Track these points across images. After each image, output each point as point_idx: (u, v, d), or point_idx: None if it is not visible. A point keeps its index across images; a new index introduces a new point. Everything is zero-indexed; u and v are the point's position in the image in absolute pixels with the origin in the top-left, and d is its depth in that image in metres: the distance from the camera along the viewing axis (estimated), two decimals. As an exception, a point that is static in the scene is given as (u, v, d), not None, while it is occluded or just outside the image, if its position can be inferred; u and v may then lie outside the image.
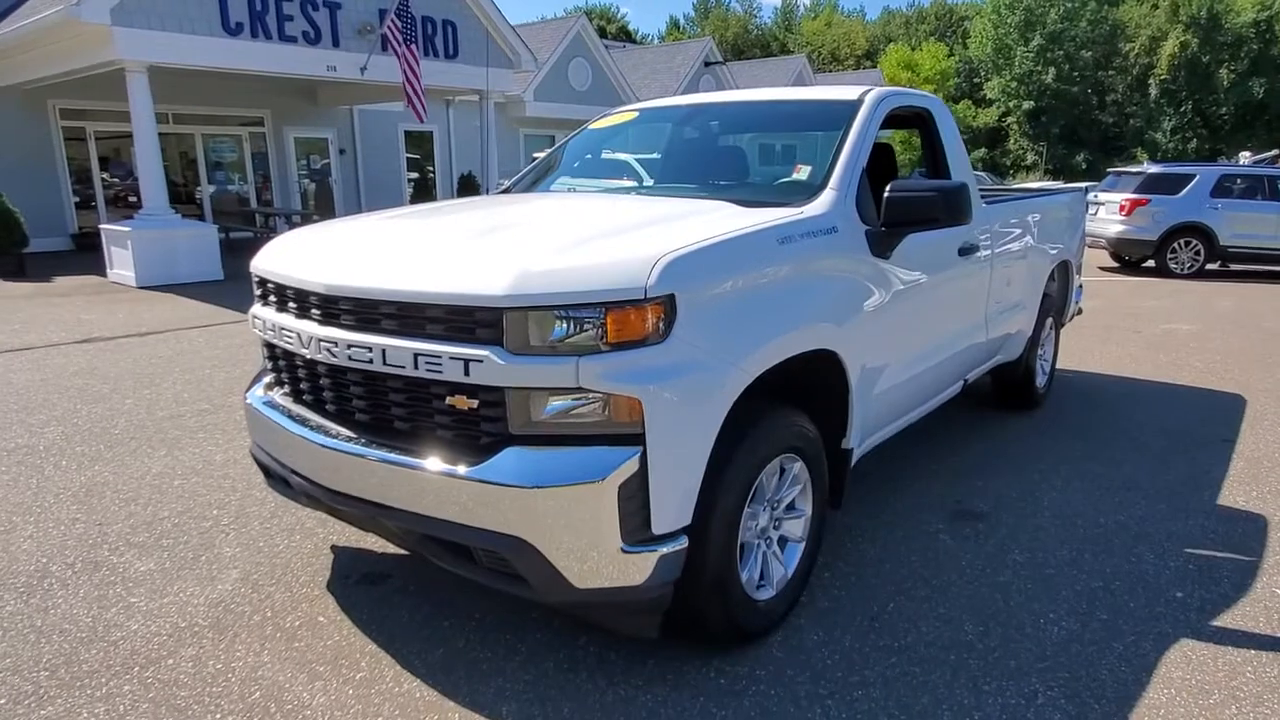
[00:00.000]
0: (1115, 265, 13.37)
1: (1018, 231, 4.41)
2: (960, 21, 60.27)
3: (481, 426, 2.14)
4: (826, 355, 2.67)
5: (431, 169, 21.18)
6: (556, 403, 2.06)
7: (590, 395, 2.04)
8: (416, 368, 2.15)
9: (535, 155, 4.32)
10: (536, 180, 3.82)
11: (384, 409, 2.32)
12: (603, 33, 64.04)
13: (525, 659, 2.48)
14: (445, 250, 2.36)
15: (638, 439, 2.05)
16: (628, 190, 3.45)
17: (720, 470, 2.27)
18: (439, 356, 2.11)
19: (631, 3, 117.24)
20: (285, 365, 2.64)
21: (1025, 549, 3.26)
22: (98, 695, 2.31)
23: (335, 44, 12.41)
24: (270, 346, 2.73)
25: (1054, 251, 4.90)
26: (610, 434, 2.06)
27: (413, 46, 11.94)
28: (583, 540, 2.07)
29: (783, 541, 2.69)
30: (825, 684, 2.37)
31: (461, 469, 2.11)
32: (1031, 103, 48.00)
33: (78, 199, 15.66)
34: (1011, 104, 49.08)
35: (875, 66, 48.64)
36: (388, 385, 2.27)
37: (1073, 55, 46.62)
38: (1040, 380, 5.20)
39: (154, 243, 10.82)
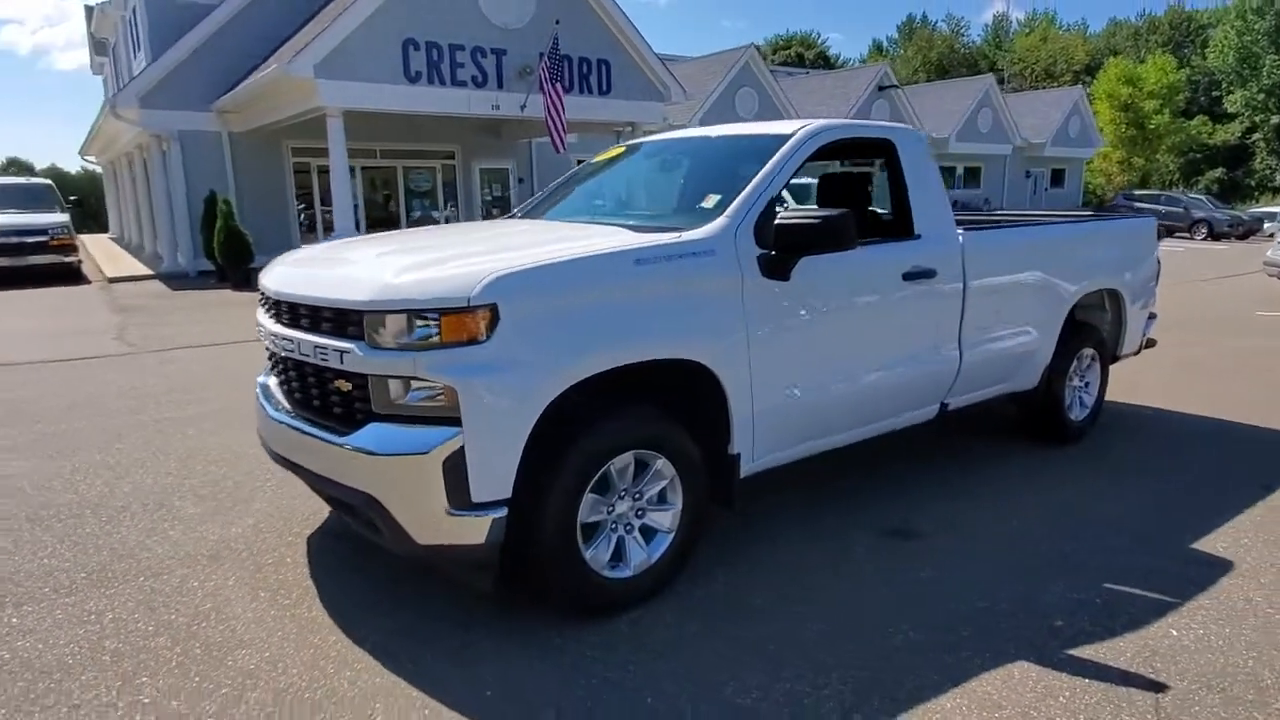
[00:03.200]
0: (1319, 301, 11.71)
1: (1018, 259, 4.35)
2: (1200, 30, 54.10)
3: (356, 406, 2.70)
4: (696, 366, 2.98)
5: (601, 196, 22.52)
6: (405, 388, 2.58)
7: (426, 383, 2.54)
8: (316, 356, 2.76)
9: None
10: (533, 207, 4.36)
11: (305, 389, 2.95)
12: (800, 59, 64.40)
13: (408, 609, 2.99)
14: (353, 266, 2.96)
15: (459, 421, 2.51)
16: (570, 218, 3.85)
17: (553, 455, 2.67)
18: (326, 348, 2.70)
19: (841, 27, 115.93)
20: (268, 355, 3.37)
21: (938, 568, 3.31)
22: (107, 593, 3.11)
23: (499, 86, 13.81)
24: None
25: (1084, 282, 4.71)
26: (442, 416, 2.54)
27: (558, 85, 13.02)
28: (417, 501, 2.56)
29: (648, 530, 3.02)
30: (643, 654, 2.68)
31: (339, 438, 2.69)
32: (1281, 117, 42.16)
33: (302, 222, 18.39)
34: (1258, 118, 43.33)
35: (1088, 82, 44.86)
36: (305, 370, 2.90)
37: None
38: (1078, 414, 4.98)
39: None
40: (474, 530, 2.58)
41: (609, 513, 2.90)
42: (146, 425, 5.44)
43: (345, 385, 2.72)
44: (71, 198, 19.47)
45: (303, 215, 18.43)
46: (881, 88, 25.24)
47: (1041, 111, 31.32)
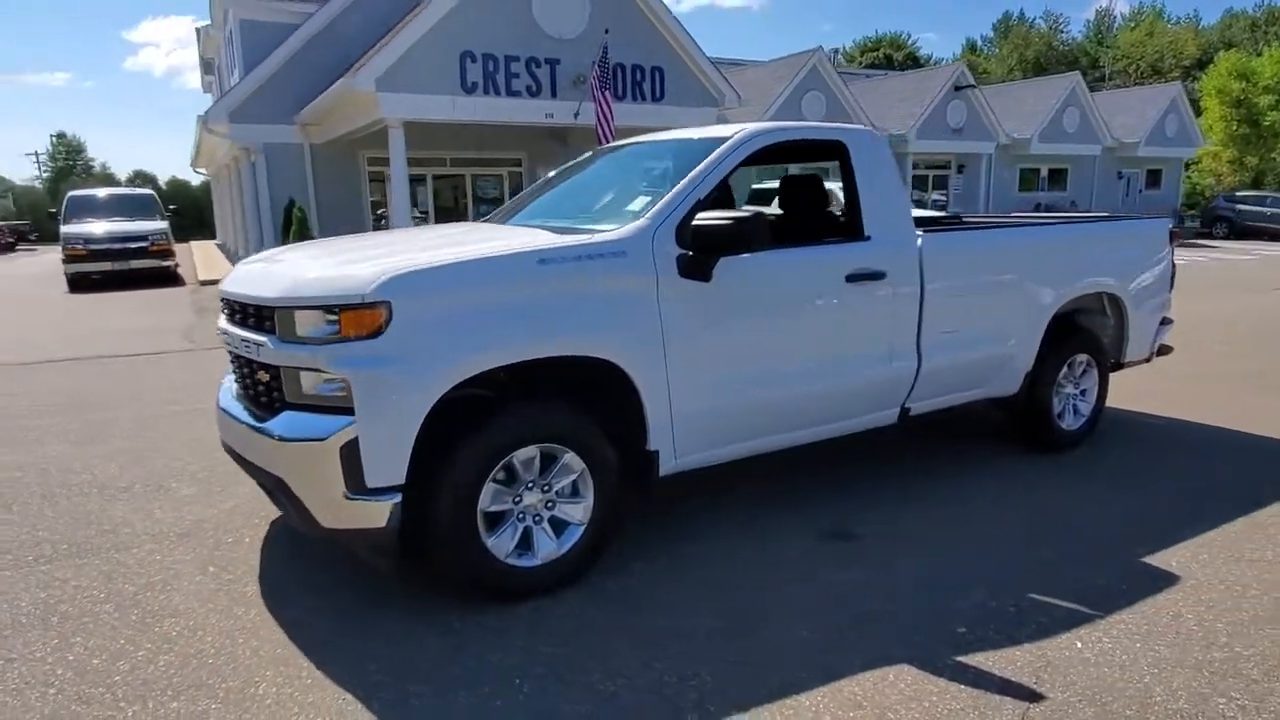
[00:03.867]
0: None
1: (988, 263, 4.25)
2: (1329, 17, 50.12)
3: (274, 395, 2.91)
4: (607, 364, 3.07)
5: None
6: (311, 378, 2.77)
7: (328, 375, 2.72)
8: (243, 349, 2.99)
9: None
10: (504, 213, 4.51)
11: (243, 381, 3.18)
12: (889, 61, 62.96)
13: (344, 589, 3.18)
14: (281, 266, 3.17)
15: (353, 410, 2.68)
16: (524, 221, 3.97)
17: (453, 445, 2.81)
18: (250, 342, 2.93)
19: (938, 26, 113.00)
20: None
21: (864, 571, 3.28)
22: (78, 563, 3.42)
23: (553, 95, 14.13)
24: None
25: (1071, 285, 4.54)
26: (343, 406, 2.71)
27: (606, 93, 13.22)
28: (318, 485, 2.74)
29: (559, 522, 3.12)
30: (534, 640, 2.77)
31: (258, 424, 2.90)
32: None
33: (380, 228, 19.25)
34: (1397, 113, 39.69)
35: (1198, 77, 42.15)
36: (241, 362, 3.13)
37: None
38: (1072, 421, 4.80)
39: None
40: (372, 515, 2.74)
41: (515, 503, 3.02)
42: (177, 416, 5.88)
43: (265, 376, 2.93)
44: (171, 207, 20.86)
45: (383, 221, 19.28)
46: (958, 88, 24.46)
47: (1135, 110, 29.65)
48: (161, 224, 18.35)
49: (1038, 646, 2.72)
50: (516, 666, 2.62)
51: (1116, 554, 3.41)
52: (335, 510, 2.75)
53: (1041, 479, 4.32)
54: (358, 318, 2.68)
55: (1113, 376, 5.08)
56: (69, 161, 73.48)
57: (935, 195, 27.14)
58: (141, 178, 73.52)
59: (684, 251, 3.21)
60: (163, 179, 66.39)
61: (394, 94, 12.91)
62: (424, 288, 2.75)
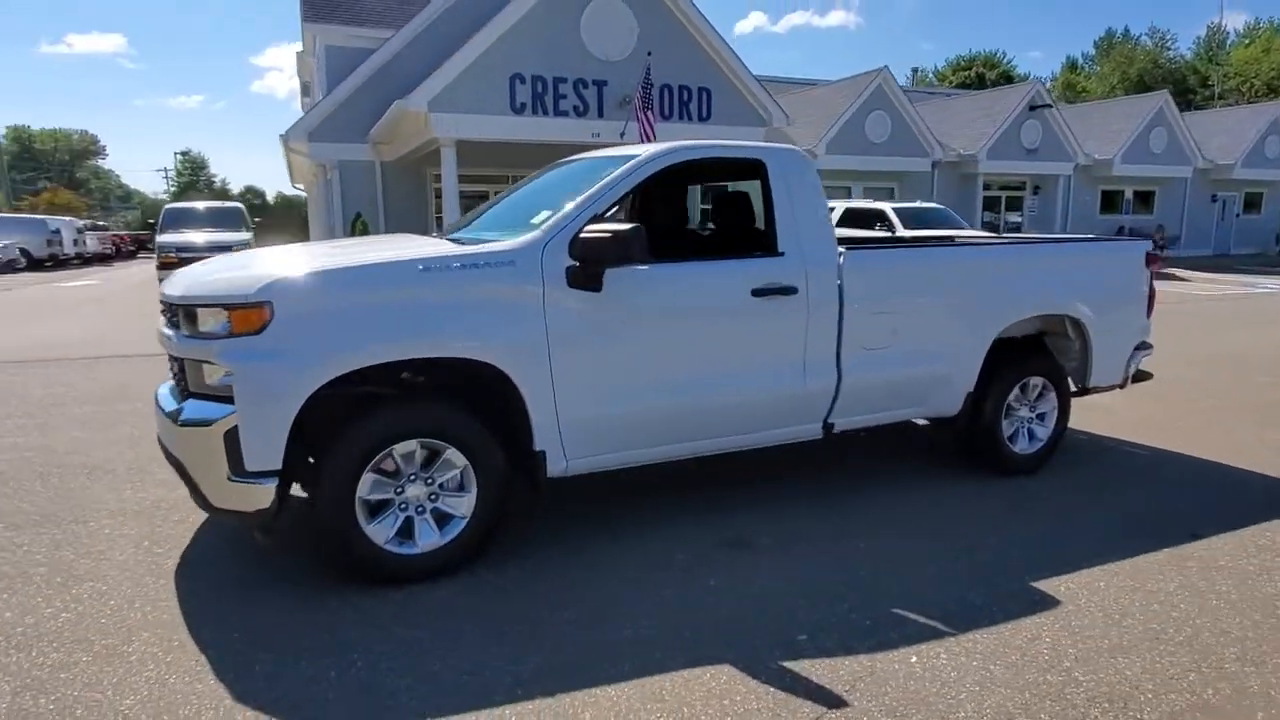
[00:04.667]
0: None
1: (920, 281, 4.24)
2: None
3: (185, 384, 3.21)
4: (491, 368, 3.25)
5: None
6: (211, 370, 3.04)
7: (217, 367, 2.99)
8: (165, 343, 3.30)
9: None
10: (454, 225, 4.75)
11: (171, 372, 3.50)
12: (981, 79, 61.33)
13: (264, 566, 3.45)
14: (198, 269, 3.47)
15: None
16: (452, 233, 4.20)
17: (333, 435, 3.05)
18: (166, 337, 3.24)
19: (1041, 44, 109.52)
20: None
21: (740, 579, 3.32)
22: (39, 531, 3.80)
23: (600, 115, 14.50)
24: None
25: (1019, 307, 4.47)
26: (230, 396, 2.98)
27: (648, 113, 13.48)
28: (207, 467, 3.01)
29: (443, 514, 3.30)
30: (395, 622, 2.96)
31: (167, 410, 3.20)
32: None
33: (438, 244, 20.01)
34: None
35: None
36: (169, 355, 3.45)
37: None
38: (1026, 445, 4.69)
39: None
40: (253, 497, 2.99)
41: (398, 494, 3.22)
42: (190, 409, 6.35)
43: (177, 368, 3.23)
44: (256, 219, 22.31)
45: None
46: (1033, 107, 23.67)
47: (1232, 130, 27.99)
48: (245, 235, 19.57)
49: (871, 658, 2.73)
50: (364, 643, 2.81)
51: (1007, 578, 3.36)
52: (222, 491, 3.02)
53: (967, 502, 4.26)
54: (244, 316, 2.95)
55: (1121, 404, 4.93)
56: (193, 177, 79.07)
57: (1012, 217, 26.28)
58: (251, 192, 78.50)
59: (574, 263, 3.37)
60: (270, 194, 70.74)
61: (445, 114, 13.52)
62: (303, 291, 3.00)
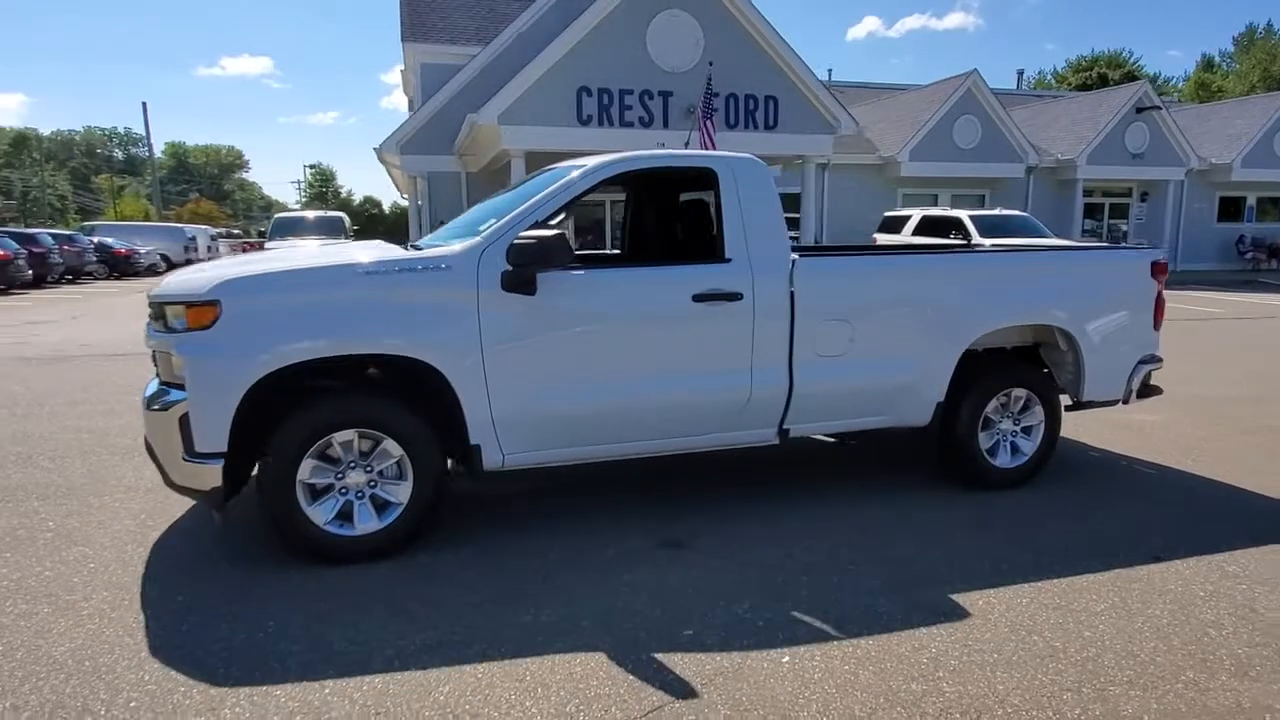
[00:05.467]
0: None
1: (879, 289, 4.20)
2: None
3: (158, 374, 3.58)
4: (426, 365, 3.48)
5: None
6: (174, 361, 3.40)
7: (176, 356, 3.34)
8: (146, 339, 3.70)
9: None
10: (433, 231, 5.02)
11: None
12: (1103, 80, 58.03)
13: (210, 542, 3.80)
14: (181, 273, 3.85)
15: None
16: (429, 238, 4.46)
17: (275, 423, 3.35)
18: (145, 332, 3.63)
19: (1178, 43, 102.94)
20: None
21: (669, 574, 3.41)
22: (60, 503, 4.29)
23: (665, 125, 14.69)
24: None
25: (995, 317, 4.36)
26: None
27: (709, 123, 13.56)
28: (166, 446, 3.36)
29: (380, 500, 3.55)
30: (316, 597, 3.22)
31: (144, 396, 3.58)
32: None
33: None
34: None
35: None
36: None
37: None
38: (1007, 460, 4.56)
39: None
40: (204, 476, 3.31)
41: (339, 479, 3.49)
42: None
43: (153, 361, 3.62)
44: (354, 227, 23.73)
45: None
46: (1140, 109, 22.29)
47: (1380, 130, 25.46)
48: (344, 241, 20.89)
49: (744, 655, 2.79)
50: (283, 614, 3.07)
51: (927, 590, 3.31)
52: (180, 470, 3.36)
53: (931, 515, 4.18)
54: (198, 313, 3.28)
55: (1158, 423, 4.71)
56: (322, 188, 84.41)
57: (1119, 225, 24.82)
58: (369, 202, 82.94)
59: (509, 267, 3.56)
60: (387, 204, 74.54)
61: (514, 127, 14.03)
62: (248, 291, 3.32)
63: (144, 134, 49.15)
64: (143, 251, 27.52)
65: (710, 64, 13.94)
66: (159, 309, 3.43)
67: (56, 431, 5.79)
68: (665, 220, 5.09)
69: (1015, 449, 4.62)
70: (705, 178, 4.11)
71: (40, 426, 5.94)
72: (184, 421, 3.28)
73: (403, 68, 29.66)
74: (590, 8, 14.15)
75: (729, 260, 3.94)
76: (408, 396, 3.59)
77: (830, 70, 48.97)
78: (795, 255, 4.06)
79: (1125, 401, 4.86)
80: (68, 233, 26.97)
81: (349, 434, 3.45)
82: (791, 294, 3.98)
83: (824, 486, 4.62)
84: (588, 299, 3.71)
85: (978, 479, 4.53)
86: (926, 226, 16.46)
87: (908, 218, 17.19)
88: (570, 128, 14.36)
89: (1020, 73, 34.89)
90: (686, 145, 14.77)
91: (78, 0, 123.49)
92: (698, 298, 3.83)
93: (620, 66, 14.32)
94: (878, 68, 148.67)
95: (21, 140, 63.97)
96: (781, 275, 3.98)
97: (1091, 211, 24.26)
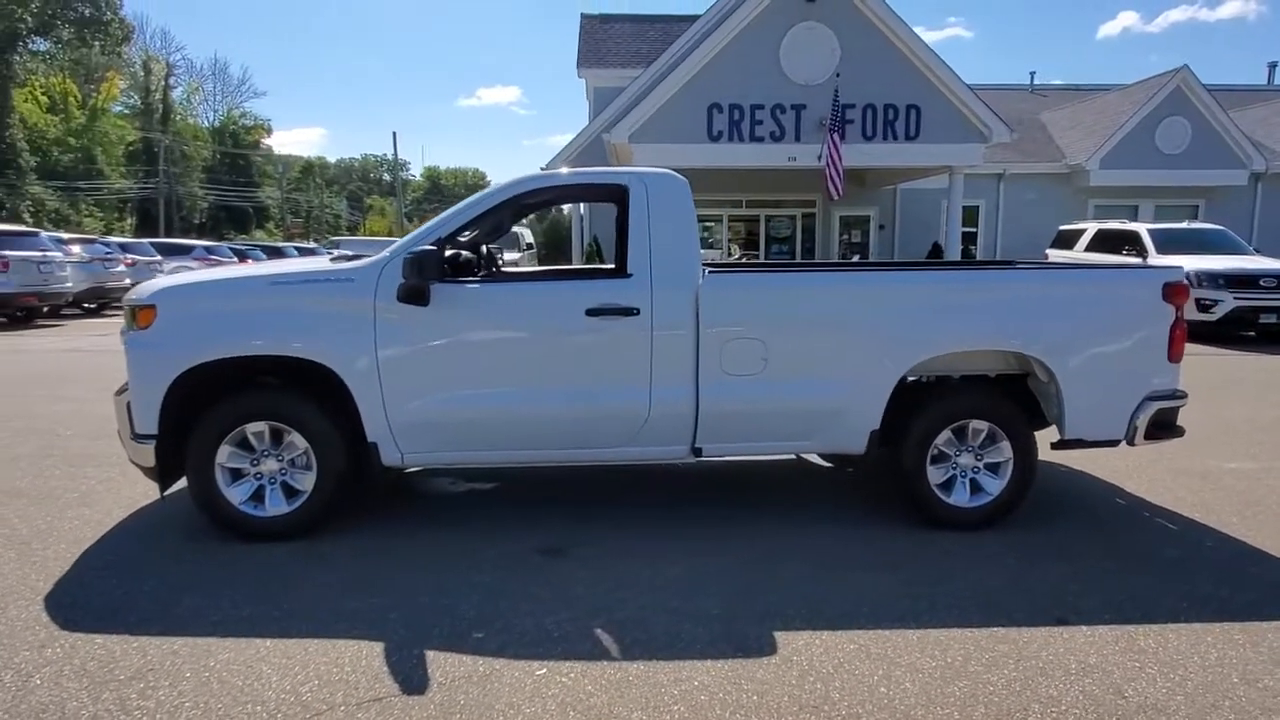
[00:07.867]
0: None
1: (799, 308, 4.00)
2: None
3: (131, 367, 4.23)
4: (324, 367, 3.84)
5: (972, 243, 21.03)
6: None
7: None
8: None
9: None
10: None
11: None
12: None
13: (182, 515, 4.39)
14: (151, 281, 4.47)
15: (136, 378, 3.87)
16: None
17: (196, 412, 3.86)
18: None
19: None
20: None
21: (538, 582, 3.48)
22: (80, 468, 5.13)
23: (797, 139, 14.40)
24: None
25: (939, 342, 3.99)
26: (142, 376, 3.92)
27: (835, 135, 13.10)
28: (122, 428, 3.97)
29: (289, 488, 3.95)
30: (231, 569, 3.66)
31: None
32: None
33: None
34: None
35: None
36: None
37: None
38: (964, 498, 4.14)
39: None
40: (143, 454, 3.88)
41: (254, 465, 3.93)
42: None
43: (132, 354, 4.28)
44: (527, 242, 25.40)
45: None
46: None
47: None
48: (515, 255, 22.37)
49: (506, 663, 2.83)
50: (158, 577, 3.52)
51: (756, 622, 3.14)
52: (129, 447, 3.96)
53: (850, 551, 3.90)
54: (143, 314, 3.86)
55: (1233, 468, 4.12)
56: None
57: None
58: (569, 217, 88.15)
59: (407, 281, 3.84)
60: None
61: (644, 144, 14.41)
62: (180, 297, 3.85)
63: (407, 160, 55.49)
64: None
65: (838, 75, 13.49)
66: (126, 310, 4.07)
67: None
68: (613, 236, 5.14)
69: (976, 486, 4.17)
70: (616, 194, 4.15)
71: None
72: (129, 407, 3.87)
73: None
74: (724, 24, 14.22)
75: (630, 275, 3.95)
76: (321, 397, 3.96)
77: (1033, 72, 44.46)
78: (706, 270, 3.99)
79: (1131, 442, 4.22)
80: (279, 245, 31.62)
81: (260, 425, 3.88)
82: (697, 310, 3.92)
83: (762, 505, 4.45)
84: (480, 311, 3.89)
85: (932, 517, 4.14)
86: (1101, 241, 14.81)
87: (1082, 231, 15.54)
88: (701, 144, 14.49)
89: (1272, 65, 30.10)
90: (819, 159, 14.41)
91: (371, 46, 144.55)
92: (591, 311, 3.88)
93: (752, 82, 14.24)
94: (1132, 66, 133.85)
95: (309, 168, 75.16)
96: (685, 291, 3.92)
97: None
